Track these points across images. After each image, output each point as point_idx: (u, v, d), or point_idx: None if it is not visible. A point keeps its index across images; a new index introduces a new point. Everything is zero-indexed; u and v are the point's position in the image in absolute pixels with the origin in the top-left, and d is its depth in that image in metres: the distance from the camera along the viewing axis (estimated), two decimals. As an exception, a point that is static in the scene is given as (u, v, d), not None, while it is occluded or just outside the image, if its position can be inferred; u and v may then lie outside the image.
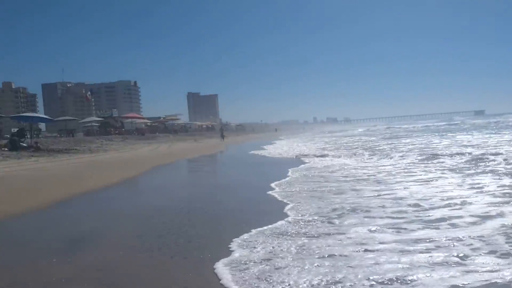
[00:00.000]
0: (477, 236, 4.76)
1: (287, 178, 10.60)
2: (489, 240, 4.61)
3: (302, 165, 14.00)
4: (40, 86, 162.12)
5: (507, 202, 6.37)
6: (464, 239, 4.70)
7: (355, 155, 17.28)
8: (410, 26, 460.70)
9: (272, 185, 9.40)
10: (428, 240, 4.74)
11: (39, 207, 8.02)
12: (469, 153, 13.84)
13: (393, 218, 5.88)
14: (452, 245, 4.52)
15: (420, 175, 10.11)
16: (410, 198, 7.17)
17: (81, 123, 52.81)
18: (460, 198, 6.92)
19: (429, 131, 43.34)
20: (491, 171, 9.77)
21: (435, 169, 10.93)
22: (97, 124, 49.28)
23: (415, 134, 36.42)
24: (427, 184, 8.72)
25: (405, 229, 5.28)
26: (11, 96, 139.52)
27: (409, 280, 3.67)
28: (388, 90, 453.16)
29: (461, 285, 3.50)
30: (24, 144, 21.32)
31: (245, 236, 5.22)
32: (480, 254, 4.19)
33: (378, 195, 7.63)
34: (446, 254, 4.25)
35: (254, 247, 4.75)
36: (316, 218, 6.05)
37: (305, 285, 3.64)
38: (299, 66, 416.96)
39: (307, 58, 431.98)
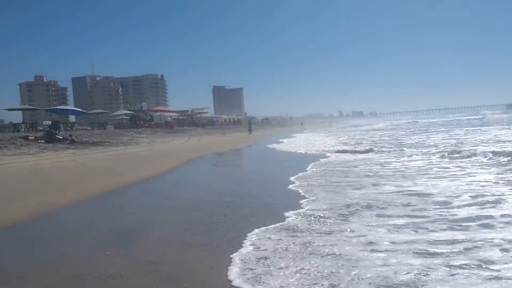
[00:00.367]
0: (509, 240, 4.37)
1: (308, 172, 10.84)
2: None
3: (323, 159, 14.04)
4: (70, 80, 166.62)
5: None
6: (492, 241, 4.35)
7: (382, 150, 16.72)
8: (435, 19, 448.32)
9: (292, 178, 9.67)
10: (449, 242, 4.42)
11: (85, 199, 8.20)
12: (506, 149, 12.78)
13: (411, 217, 5.54)
14: (477, 248, 4.18)
15: (454, 170, 9.65)
16: (438, 195, 6.77)
17: (111, 116, 53.69)
18: (493, 196, 6.44)
19: (462, 124, 41.92)
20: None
21: (471, 165, 10.35)
22: (127, 117, 49.90)
23: (445, 128, 35.29)
24: (458, 180, 8.24)
25: (425, 228, 4.98)
26: (43, 89, 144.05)
27: (417, 285, 3.42)
28: (415, 84, 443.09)
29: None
30: (60, 137, 21.77)
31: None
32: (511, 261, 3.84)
33: (400, 191, 7.29)
34: (467, 257, 3.95)
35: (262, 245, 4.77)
36: (328, 214, 5.94)
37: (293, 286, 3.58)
38: (324, 59, 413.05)
39: (333, 51, 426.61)
